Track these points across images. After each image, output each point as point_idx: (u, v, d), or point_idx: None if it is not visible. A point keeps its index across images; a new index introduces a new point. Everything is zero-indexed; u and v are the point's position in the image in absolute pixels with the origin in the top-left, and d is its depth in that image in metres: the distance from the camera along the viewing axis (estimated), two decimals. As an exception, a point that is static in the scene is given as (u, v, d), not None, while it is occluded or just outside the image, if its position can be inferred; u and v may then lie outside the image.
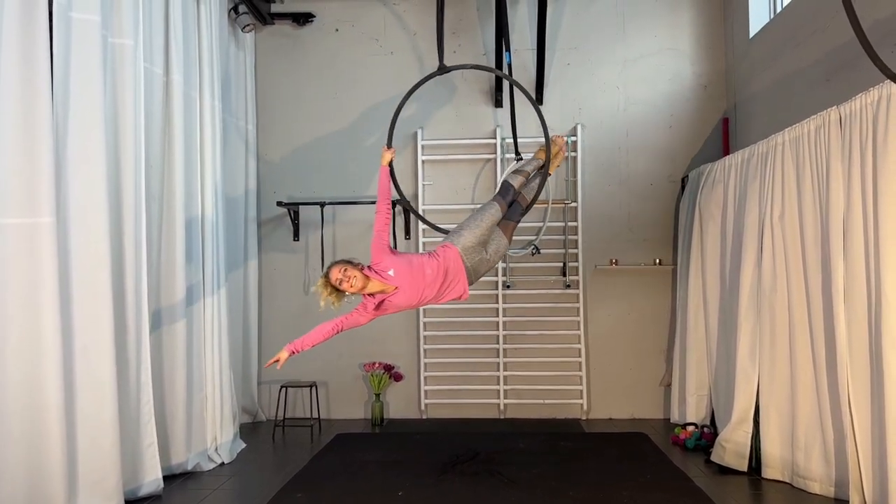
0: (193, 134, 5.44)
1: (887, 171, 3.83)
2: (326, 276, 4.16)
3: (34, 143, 3.89)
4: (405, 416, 6.99)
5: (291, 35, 7.16)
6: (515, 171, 4.78)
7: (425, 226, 6.67)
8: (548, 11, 6.53)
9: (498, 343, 6.91)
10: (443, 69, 4.99)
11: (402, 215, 6.86)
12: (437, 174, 7.02)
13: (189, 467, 5.17)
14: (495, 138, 6.96)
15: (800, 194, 4.62)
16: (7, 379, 3.87)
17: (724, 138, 6.79)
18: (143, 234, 4.67)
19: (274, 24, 7.13)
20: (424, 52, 7.02)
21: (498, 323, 6.91)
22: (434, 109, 7.00)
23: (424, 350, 6.96)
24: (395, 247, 6.37)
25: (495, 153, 6.95)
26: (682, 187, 6.74)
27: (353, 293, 4.18)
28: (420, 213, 5.39)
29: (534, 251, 6.71)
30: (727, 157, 5.78)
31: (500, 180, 6.74)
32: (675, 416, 6.38)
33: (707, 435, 5.65)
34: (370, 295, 4.22)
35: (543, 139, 4.78)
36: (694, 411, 6.14)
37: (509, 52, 6.24)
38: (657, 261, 6.84)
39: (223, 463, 5.48)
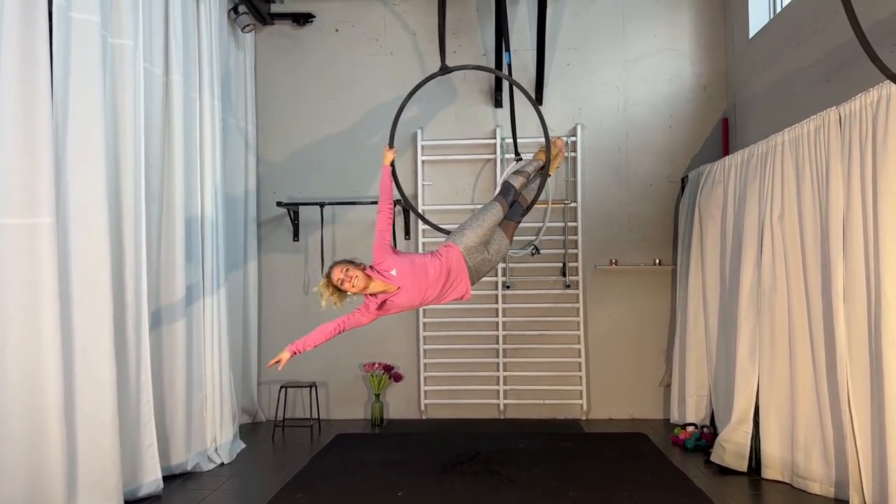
0: (193, 134, 5.44)
1: (887, 172, 3.83)
2: (328, 276, 4.15)
3: (34, 144, 3.89)
4: (405, 416, 6.99)
5: (291, 35, 7.16)
6: (516, 172, 4.78)
7: (425, 226, 6.69)
8: (548, 12, 6.53)
9: (498, 343, 6.91)
10: (445, 70, 4.99)
11: (402, 215, 6.86)
12: (437, 174, 7.03)
13: (189, 468, 5.17)
14: (495, 138, 6.96)
15: (799, 194, 4.62)
16: (7, 379, 3.87)
17: (723, 138, 6.79)
18: (143, 234, 4.67)
19: (274, 24, 7.13)
20: (424, 53, 7.03)
21: (498, 323, 6.91)
22: (434, 110, 7.01)
23: (424, 350, 6.96)
24: (395, 247, 6.36)
25: (495, 153, 6.95)
26: (682, 187, 6.74)
27: (354, 293, 4.17)
28: (420, 213, 5.39)
29: (533, 251, 6.71)
30: (727, 158, 5.78)
31: (499, 181, 6.75)
32: (674, 417, 6.38)
33: (707, 435, 5.65)
34: (372, 295, 4.20)
35: (543, 139, 4.78)
36: (694, 412, 6.14)
37: (509, 52, 6.24)
38: (657, 261, 6.84)
39: (223, 463, 5.48)
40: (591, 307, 6.91)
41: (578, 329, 6.86)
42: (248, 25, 6.61)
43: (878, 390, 3.90)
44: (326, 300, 4.15)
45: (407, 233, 6.96)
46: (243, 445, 5.93)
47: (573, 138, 6.91)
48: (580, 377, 6.85)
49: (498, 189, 6.17)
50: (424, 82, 4.96)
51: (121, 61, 4.55)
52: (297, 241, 7.04)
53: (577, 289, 6.86)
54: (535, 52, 6.77)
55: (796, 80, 5.44)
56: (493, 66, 6.78)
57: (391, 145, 4.69)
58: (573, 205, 6.88)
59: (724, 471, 5.04)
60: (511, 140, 6.49)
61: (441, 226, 5.23)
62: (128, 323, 4.54)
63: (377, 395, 6.80)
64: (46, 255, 3.91)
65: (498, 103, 6.97)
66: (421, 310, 6.79)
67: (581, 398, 6.86)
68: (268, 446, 6.14)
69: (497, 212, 4.46)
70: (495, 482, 4.81)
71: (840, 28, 4.45)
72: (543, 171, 4.77)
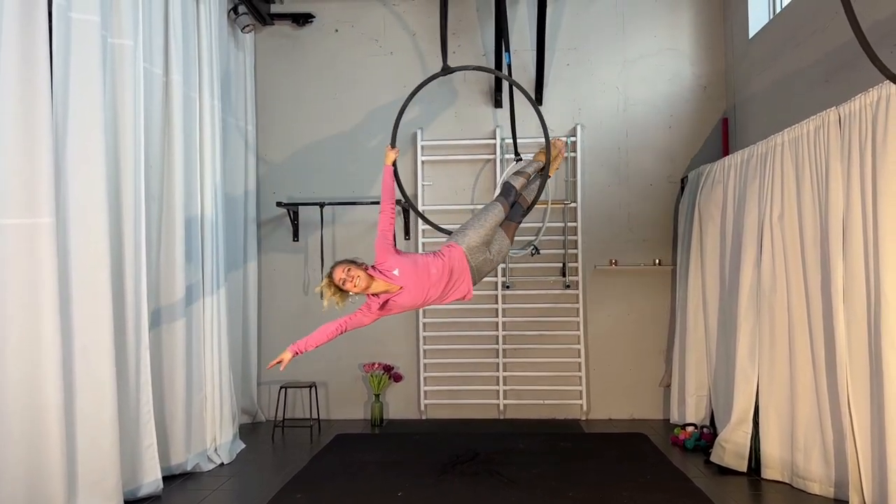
0: (193, 134, 5.44)
1: (886, 172, 3.83)
2: (330, 276, 4.14)
3: (34, 144, 3.89)
4: (405, 416, 6.99)
5: (291, 35, 7.17)
6: (516, 173, 4.78)
7: (425, 226, 6.70)
8: (547, 12, 6.52)
9: (497, 343, 6.91)
10: (446, 70, 4.98)
11: (402, 215, 6.87)
12: (437, 175, 7.03)
13: (188, 468, 5.17)
14: (495, 139, 6.97)
15: (799, 195, 4.62)
16: (7, 379, 3.87)
17: (723, 139, 6.79)
18: (143, 234, 4.67)
19: (273, 24, 7.14)
20: (424, 53, 7.03)
21: (497, 323, 6.91)
22: (434, 110, 7.01)
23: (424, 350, 6.96)
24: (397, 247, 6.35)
25: (495, 154, 6.95)
26: (682, 188, 6.74)
27: (356, 293, 4.15)
28: (421, 213, 5.38)
29: (533, 251, 6.71)
30: (727, 158, 5.78)
31: (499, 181, 6.75)
32: (674, 417, 6.38)
33: (706, 435, 5.65)
34: (374, 295, 4.19)
35: (543, 139, 4.78)
36: (693, 412, 6.14)
37: (509, 52, 6.24)
38: (657, 261, 6.84)
39: (223, 463, 5.48)
40: (591, 307, 6.92)
41: (578, 329, 6.86)
42: (247, 26, 6.61)
43: (878, 390, 3.90)
44: (328, 300, 4.14)
45: (407, 233, 6.96)
46: (243, 446, 5.93)
47: (573, 138, 6.91)
48: (580, 377, 6.85)
49: (498, 190, 6.18)
50: (426, 83, 4.95)
51: (121, 61, 4.55)
52: (297, 241, 7.05)
53: (577, 289, 6.86)
54: (534, 53, 6.77)
55: (796, 81, 5.44)
56: (492, 66, 6.78)
57: (393, 145, 4.68)
58: (573, 205, 6.88)
59: (724, 471, 5.04)
60: (511, 140, 6.49)
61: (441, 226, 5.23)
62: (127, 323, 4.54)
63: (377, 396, 6.80)
64: (46, 256, 3.91)
65: (498, 103, 6.97)
66: (421, 310, 6.79)
67: (581, 398, 6.86)
68: (268, 446, 6.14)
69: (499, 212, 4.46)
70: (495, 482, 4.81)
71: (840, 28, 4.45)
72: (543, 173, 4.77)
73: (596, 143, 6.96)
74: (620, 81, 6.98)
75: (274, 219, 7.10)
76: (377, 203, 6.63)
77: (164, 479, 4.80)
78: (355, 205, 6.90)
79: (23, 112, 3.87)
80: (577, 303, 6.86)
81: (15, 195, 3.87)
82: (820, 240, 4.43)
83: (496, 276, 6.84)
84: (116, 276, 4.40)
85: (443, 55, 5.17)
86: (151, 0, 4.92)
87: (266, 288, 7.09)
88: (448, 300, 4.36)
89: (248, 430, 6.54)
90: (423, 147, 6.98)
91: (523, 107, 6.36)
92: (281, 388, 6.66)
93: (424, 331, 6.95)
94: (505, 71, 6.33)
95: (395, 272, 4.15)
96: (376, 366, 6.78)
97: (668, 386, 6.66)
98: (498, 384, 6.90)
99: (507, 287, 6.91)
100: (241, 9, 6.51)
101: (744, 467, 4.98)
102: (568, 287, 6.87)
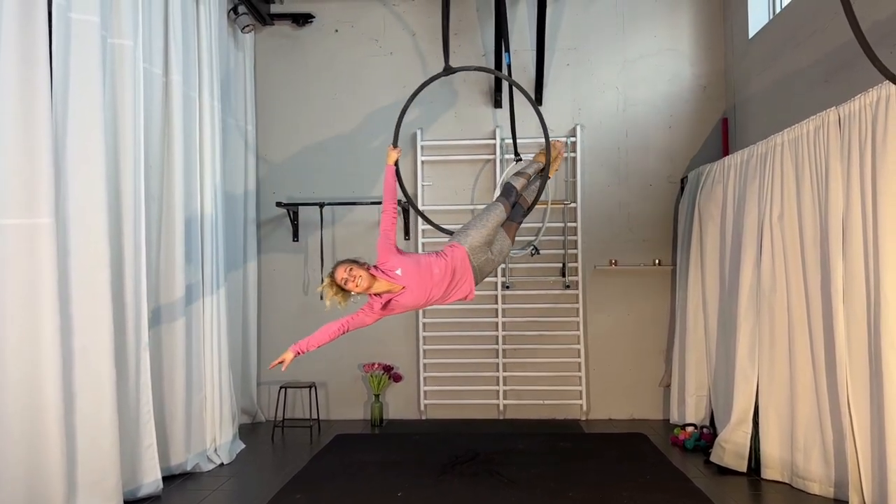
0: (193, 134, 5.44)
1: (886, 172, 3.83)
2: (332, 275, 4.12)
3: (33, 144, 3.88)
4: (404, 416, 6.99)
5: (291, 36, 7.17)
6: (517, 174, 4.78)
7: (425, 226, 6.70)
8: (547, 12, 6.53)
9: (497, 344, 6.91)
10: (448, 70, 4.98)
11: (402, 215, 6.86)
12: (437, 175, 7.03)
13: (188, 468, 5.17)
14: (495, 139, 6.96)
15: (799, 195, 4.62)
16: (6, 379, 3.86)
17: (723, 139, 6.79)
18: (143, 234, 4.67)
19: (273, 24, 7.14)
20: (424, 53, 7.03)
21: (497, 323, 6.91)
22: (433, 110, 7.00)
23: (424, 351, 6.96)
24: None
25: (495, 154, 6.95)
26: (682, 188, 6.74)
27: (358, 293, 4.14)
28: (423, 213, 5.37)
29: (533, 252, 6.71)
30: (726, 158, 5.78)
31: (499, 181, 6.76)
32: (674, 417, 6.38)
33: (706, 435, 5.65)
34: (377, 295, 4.18)
35: (543, 140, 4.78)
36: (693, 412, 6.14)
37: (509, 52, 6.24)
38: (656, 261, 6.84)
39: (222, 464, 5.48)
40: (591, 307, 6.91)
41: (578, 329, 6.86)
42: (247, 26, 6.61)
43: (878, 391, 3.90)
44: (330, 300, 4.13)
45: (406, 233, 6.96)
46: (243, 446, 5.93)
47: (573, 139, 6.91)
48: (580, 377, 6.85)
49: (499, 190, 6.18)
50: (428, 82, 4.95)
51: (120, 62, 4.54)
52: (297, 241, 7.05)
53: (577, 289, 6.86)
54: (534, 53, 6.77)
55: (796, 81, 5.44)
56: (492, 65, 6.78)
57: (395, 145, 4.67)
58: (573, 205, 6.88)
59: (724, 471, 5.04)
60: (511, 140, 6.49)
61: (442, 226, 5.23)
62: (127, 323, 4.54)
63: (377, 396, 6.80)
64: (46, 256, 3.90)
65: (497, 104, 6.97)
66: (421, 310, 6.79)
67: (581, 398, 6.86)
68: (267, 447, 6.14)
69: (500, 212, 4.46)
70: (495, 482, 4.81)
71: (839, 28, 4.45)
72: (543, 174, 4.77)
73: (596, 144, 6.96)
74: (620, 81, 6.98)
75: (274, 219, 7.10)
76: (377, 203, 6.73)
77: (164, 479, 4.80)
78: (355, 205, 6.90)
79: (22, 112, 3.87)
80: (577, 303, 6.86)
81: (15, 195, 3.86)
82: (820, 240, 4.43)
83: (496, 276, 6.84)
84: (116, 276, 4.40)
85: (445, 55, 5.16)
86: (151, 0, 4.92)
87: (266, 288, 7.09)
88: (450, 300, 4.36)
89: (248, 431, 6.54)
90: (422, 147, 6.98)
91: (523, 107, 6.36)
92: (281, 388, 6.66)
93: (424, 331, 6.95)
94: (505, 71, 6.33)
95: (398, 272, 4.14)
96: (376, 366, 6.78)
97: (668, 386, 6.66)
98: (498, 384, 6.90)
99: (507, 287, 6.91)
100: (241, 9, 6.51)
101: (743, 467, 4.98)
102: (568, 287, 6.87)
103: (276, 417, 6.63)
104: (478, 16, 7.04)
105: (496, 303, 6.90)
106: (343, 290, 4.11)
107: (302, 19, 7.09)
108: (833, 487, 4.37)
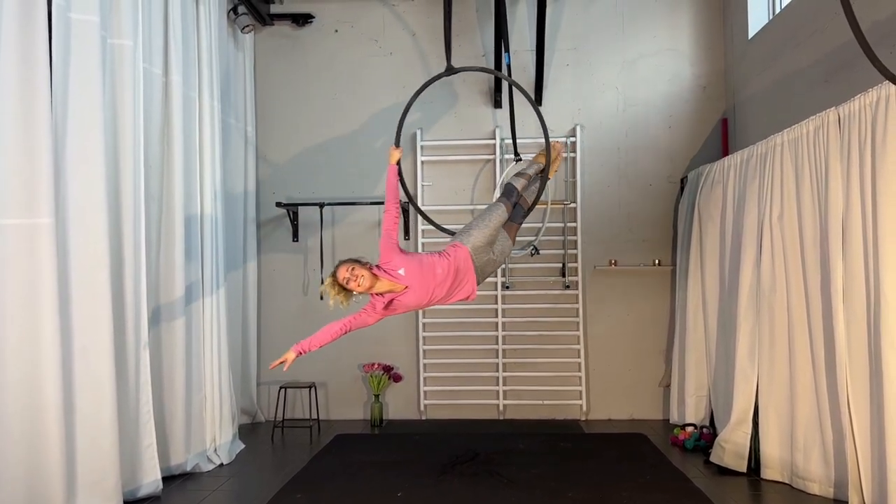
0: (192, 134, 5.44)
1: (886, 172, 3.83)
2: (334, 275, 4.11)
3: (33, 144, 3.88)
4: (404, 416, 6.99)
5: (291, 36, 7.17)
6: (517, 175, 4.78)
7: (424, 226, 6.71)
8: (547, 12, 6.53)
9: (497, 344, 6.91)
10: (451, 70, 4.97)
11: (402, 215, 6.85)
12: (437, 175, 7.03)
13: (188, 468, 5.17)
14: (494, 139, 6.96)
15: (799, 195, 4.62)
16: (6, 379, 3.86)
17: (723, 139, 6.79)
18: (143, 234, 4.67)
19: (273, 24, 7.14)
20: (424, 53, 7.03)
21: (497, 324, 6.91)
22: (433, 110, 7.00)
23: (424, 351, 6.96)
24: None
25: (494, 154, 6.95)
26: (682, 188, 6.74)
27: (360, 292, 4.12)
28: (424, 213, 5.36)
29: (533, 252, 6.71)
30: (726, 158, 5.78)
31: (499, 181, 6.76)
32: (674, 417, 6.38)
33: (706, 436, 5.65)
34: (379, 295, 4.17)
35: (542, 140, 4.78)
36: (693, 412, 6.14)
37: (508, 53, 6.24)
38: (656, 261, 6.84)
39: (222, 464, 5.48)
40: (591, 308, 6.91)
41: (578, 329, 6.86)
42: (247, 26, 6.61)
43: (878, 391, 3.90)
44: (333, 299, 4.11)
45: (406, 233, 6.96)
46: (243, 446, 5.93)
47: (573, 139, 6.91)
48: (580, 377, 6.85)
49: (500, 191, 6.18)
50: (430, 82, 4.94)
51: (120, 62, 4.54)
52: (297, 241, 7.04)
53: (577, 289, 6.86)
54: (534, 53, 6.77)
55: (796, 81, 5.44)
56: (492, 66, 6.79)
57: (397, 144, 4.67)
58: (572, 205, 6.88)
59: (724, 471, 5.04)
60: (511, 141, 6.49)
61: (443, 226, 5.22)
62: (127, 323, 4.54)
63: (377, 396, 6.80)
64: (46, 256, 3.90)
65: (497, 104, 6.97)
66: (421, 310, 6.79)
67: (580, 398, 6.86)
68: (267, 447, 6.14)
69: (502, 212, 4.46)
70: (495, 483, 4.81)
71: (839, 29, 4.45)
72: (543, 174, 4.77)
73: (595, 144, 6.96)
74: (620, 82, 6.98)
75: (273, 219, 7.10)
76: (377, 203, 6.74)
77: (164, 479, 4.79)
78: (355, 205, 6.90)
79: (22, 112, 3.87)
80: (577, 303, 6.86)
81: (14, 195, 3.87)
82: (819, 240, 4.43)
83: (496, 276, 6.84)
84: (116, 276, 4.40)
85: (447, 55, 5.15)
86: (151, 0, 4.92)
87: (266, 288, 7.09)
88: (452, 300, 4.34)
89: (248, 431, 6.54)
90: (422, 147, 6.99)
91: (523, 107, 6.36)
92: (280, 388, 6.66)
93: (424, 331, 6.95)
94: (504, 71, 6.33)
95: (401, 272, 4.12)
96: (376, 366, 6.78)
97: (668, 386, 6.66)
98: (498, 384, 6.90)
99: (507, 287, 6.91)
100: (241, 9, 6.51)
101: (743, 467, 4.98)
102: (568, 287, 6.87)
103: (275, 417, 6.63)
104: (477, 16, 7.04)
105: (496, 303, 6.90)
106: (345, 290, 4.09)
107: (302, 19, 7.09)
108: (833, 487, 4.37)
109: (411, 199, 5.28)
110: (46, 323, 3.91)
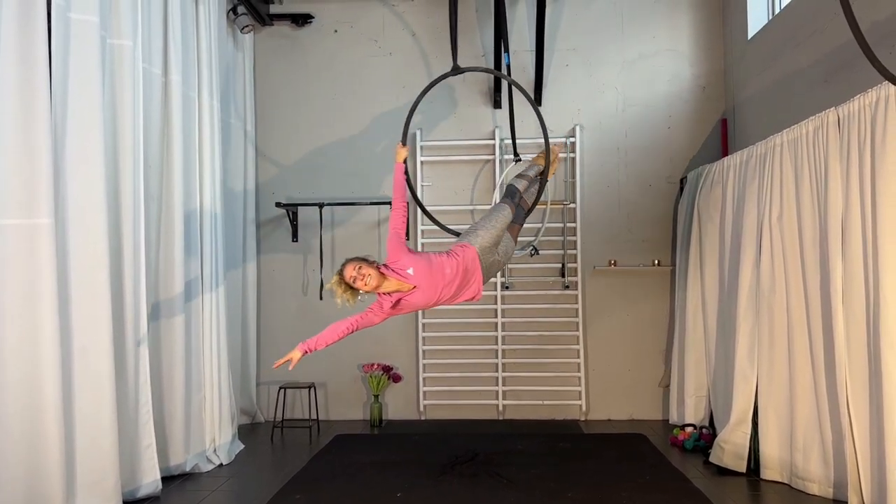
0: (192, 134, 5.44)
1: (885, 172, 3.84)
2: (340, 273, 4.06)
3: (33, 144, 3.88)
4: (404, 417, 6.99)
5: (290, 36, 7.17)
6: (518, 176, 4.79)
7: (424, 226, 6.71)
8: (547, 12, 6.53)
9: (497, 344, 6.91)
10: (457, 70, 4.96)
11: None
12: (437, 175, 7.03)
13: (187, 468, 5.17)
14: (494, 139, 6.96)
15: (798, 195, 4.62)
16: (6, 379, 3.86)
17: (722, 139, 6.80)
18: (142, 234, 4.67)
19: (273, 24, 7.14)
20: (424, 53, 7.03)
21: (497, 324, 6.91)
22: (433, 111, 6.99)
23: (423, 351, 6.95)
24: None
25: (494, 154, 6.95)
26: (681, 188, 6.74)
27: (367, 291, 4.06)
28: (429, 212, 5.33)
29: (532, 252, 6.71)
30: (726, 159, 5.79)
31: (498, 182, 6.76)
32: (673, 417, 6.38)
33: (706, 436, 5.65)
34: (386, 294, 4.12)
35: (542, 140, 4.78)
36: (692, 412, 6.14)
37: (508, 53, 6.24)
38: (656, 262, 6.84)
39: (222, 464, 5.48)
40: (590, 308, 6.92)
41: (577, 330, 6.86)
42: (247, 26, 6.61)
43: (877, 391, 3.90)
44: (340, 297, 4.06)
45: (406, 233, 6.94)
46: (242, 446, 5.93)
47: (572, 139, 6.91)
48: (579, 378, 6.85)
49: (501, 192, 6.18)
50: (436, 82, 4.93)
51: (120, 62, 4.54)
52: (297, 241, 7.04)
53: (577, 289, 6.86)
54: (534, 53, 6.78)
55: (795, 81, 5.45)
56: (491, 66, 6.79)
57: (404, 143, 4.65)
58: (572, 205, 6.88)
59: (723, 471, 5.04)
60: (510, 141, 6.49)
61: (447, 227, 5.21)
62: (126, 323, 4.54)
63: (376, 396, 6.80)
64: (45, 256, 3.90)
65: (497, 104, 6.97)
66: (420, 311, 6.78)
67: (580, 399, 6.86)
68: (267, 447, 6.14)
69: (507, 213, 4.46)
70: (494, 483, 4.81)
71: (839, 29, 4.46)
72: (542, 176, 4.78)
73: (595, 144, 6.96)
74: (619, 82, 6.99)
75: (273, 219, 7.10)
76: (377, 204, 6.75)
77: (163, 479, 4.80)
78: (355, 205, 6.90)
79: (22, 112, 3.87)
80: (577, 303, 6.86)
81: (14, 195, 3.86)
82: (819, 240, 4.43)
83: (496, 276, 6.82)
84: (115, 276, 4.40)
85: (453, 55, 5.13)
86: (151, 0, 4.92)
87: (265, 288, 7.08)
88: (459, 300, 4.31)
89: (248, 431, 6.54)
90: (422, 148, 6.99)
91: (522, 107, 6.36)
92: (280, 388, 6.66)
93: (424, 331, 6.95)
94: (504, 72, 6.33)
95: (410, 271, 4.08)
96: (375, 366, 6.78)
97: (668, 386, 6.66)
98: (497, 385, 6.90)
99: (507, 287, 6.91)
100: (241, 9, 6.51)
101: (743, 468, 4.99)
102: (567, 288, 6.87)
103: (275, 418, 6.62)
104: (477, 16, 7.04)
105: (496, 303, 6.90)
106: (351, 289, 4.04)
107: (301, 19, 7.09)
108: (832, 488, 4.37)
109: (418, 201, 5.26)
110: (46, 323, 3.91)
